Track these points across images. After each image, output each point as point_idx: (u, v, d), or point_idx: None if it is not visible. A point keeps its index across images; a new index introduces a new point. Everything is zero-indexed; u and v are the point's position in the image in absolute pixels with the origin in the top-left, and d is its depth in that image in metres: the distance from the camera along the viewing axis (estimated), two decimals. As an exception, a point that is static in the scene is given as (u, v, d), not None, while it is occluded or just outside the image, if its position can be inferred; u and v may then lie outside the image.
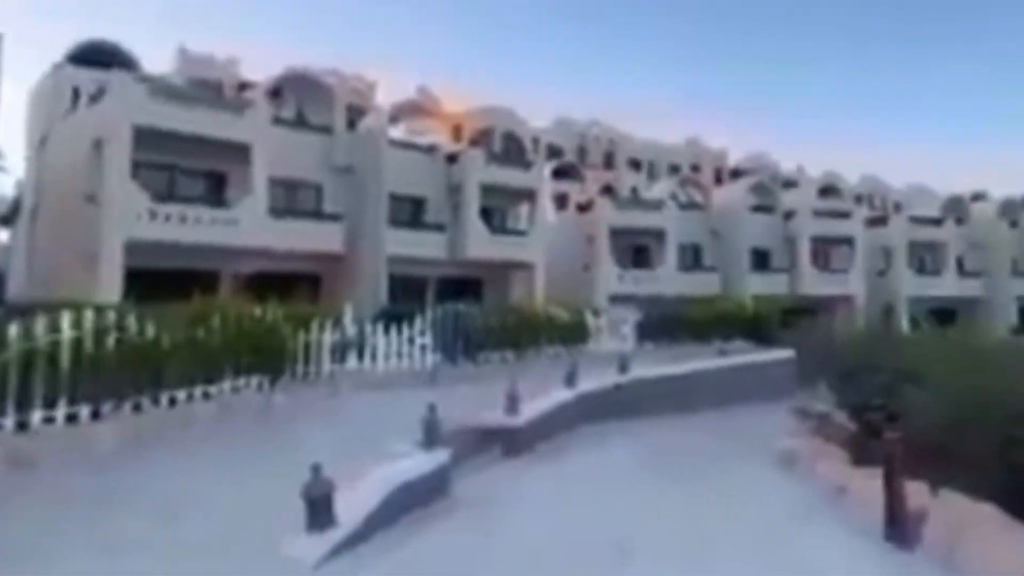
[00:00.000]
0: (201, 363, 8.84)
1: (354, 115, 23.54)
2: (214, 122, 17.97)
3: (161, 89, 17.87)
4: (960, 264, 36.97)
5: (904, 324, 30.74)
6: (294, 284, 16.95)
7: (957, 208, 39.32)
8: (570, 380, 11.19)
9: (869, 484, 6.73)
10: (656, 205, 30.23)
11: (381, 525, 5.60)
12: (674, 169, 42.33)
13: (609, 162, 41.65)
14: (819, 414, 10.58)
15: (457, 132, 27.88)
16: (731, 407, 12.88)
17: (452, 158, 24.13)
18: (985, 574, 5.15)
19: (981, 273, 37.05)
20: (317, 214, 21.37)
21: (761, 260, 32.06)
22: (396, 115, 25.87)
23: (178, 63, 26.72)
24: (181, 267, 17.49)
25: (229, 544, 4.98)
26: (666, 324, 17.55)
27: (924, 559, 5.73)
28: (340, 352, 11.71)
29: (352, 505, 5.52)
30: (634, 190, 35.47)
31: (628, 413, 11.37)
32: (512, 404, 9.15)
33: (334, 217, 21.34)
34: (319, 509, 5.22)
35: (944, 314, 33.53)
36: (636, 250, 30.09)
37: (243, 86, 24.32)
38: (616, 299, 23.60)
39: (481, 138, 26.74)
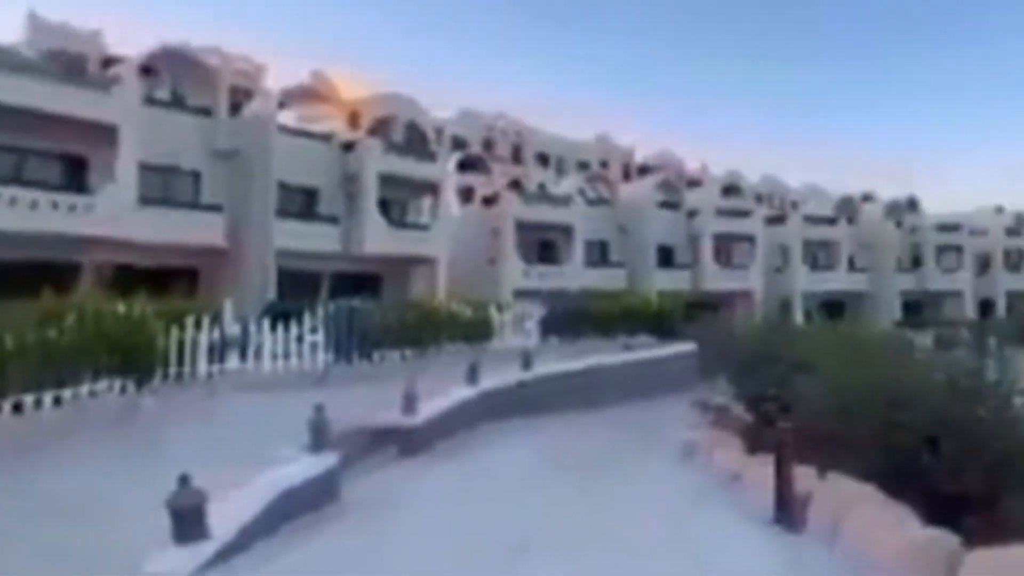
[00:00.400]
0: (52, 365, 8.16)
1: (240, 98, 22.45)
2: (72, 99, 16.59)
3: (3, 59, 16.28)
4: (850, 261, 40.33)
5: (799, 317, 33.18)
6: (168, 279, 15.87)
7: (848, 208, 42.91)
8: (472, 377, 11.22)
9: (762, 471, 7.18)
10: (564, 200, 30.91)
11: (261, 534, 5.40)
12: (583, 165, 43.42)
13: (517, 156, 42.13)
14: (718, 406, 11.22)
15: (354, 120, 27.23)
16: (635, 401, 13.37)
17: (348, 147, 23.55)
18: (863, 549, 5.64)
19: (868, 269, 40.58)
20: (194, 204, 20.21)
21: (666, 256, 33.57)
22: (287, 100, 24.92)
23: (29, 33, 24.37)
24: (35, 258, 16.08)
25: (87, 562, 4.62)
26: (572, 319, 17.98)
27: (810, 539, 6.18)
28: (219, 351, 11.14)
29: (228, 515, 5.28)
30: (542, 185, 36.06)
31: (532, 410, 11.54)
32: (409, 403, 9.05)
33: (214, 207, 20.26)
34: (188, 521, 4.95)
35: (835, 307, 36.67)
36: (543, 245, 30.64)
37: (109, 61, 22.52)
38: (522, 294, 23.89)
39: (381, 127, 26.25)
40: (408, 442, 8.64)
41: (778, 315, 32.58)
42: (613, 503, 7.16)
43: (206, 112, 21.29)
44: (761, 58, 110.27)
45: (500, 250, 28.09)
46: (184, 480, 4.97)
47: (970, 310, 41.67)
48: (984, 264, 44.45)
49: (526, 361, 12.75)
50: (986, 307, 42.73)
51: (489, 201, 30.28)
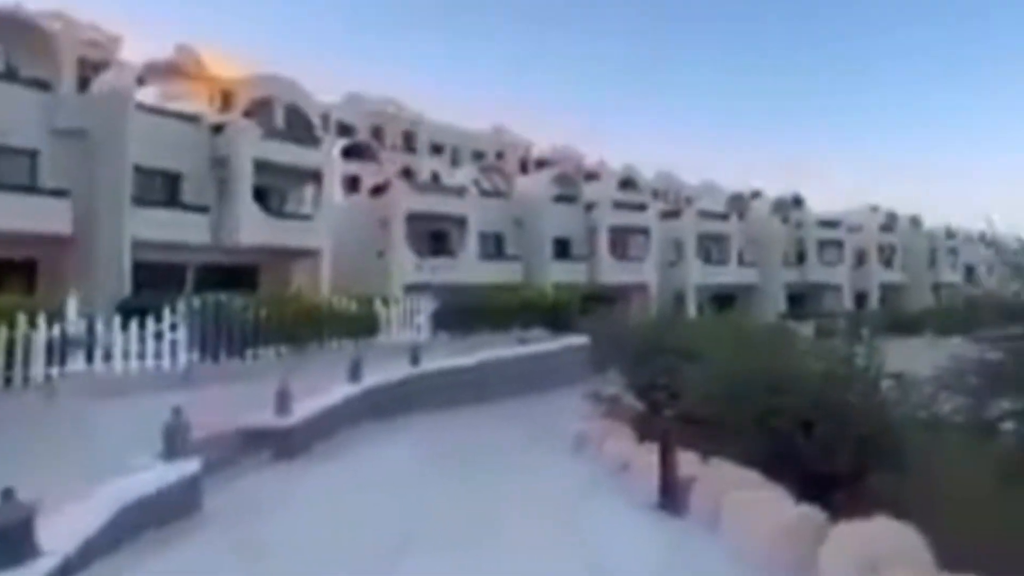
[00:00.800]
0: None
1: (89, 71, 20.72)
2: None
3: None
4: (740, 255, 42.96)
5: (692, 310, 34.99)
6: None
7: (739, 204, 45.68)
8: (355, 374, 10.98)
9: (649, 459, 7.50)
10: (458, 191, 30.88)
11: (105, 550, 5.03)
12: (478, 156, 43.54)
13: (408, 145, 41.57)
14: (611, 397, 11.63)
15: (227, 101, 25.85)
16: (529, 395, 13.60)
17: (218, 129, 22.30)
18: (741, 529, 6.01)
19: (757, 263, 43.41)
20: (31, 187, 18.43)
21: (563, 249, 34.31)
22: (148, 76, 23.27)
23: None
24: None
25: None
26: (465, 313, 18.00)
27: (692, 522, 6.53)
28: (60, 351, 10.24)
29: (64, 531, 4.89)
30: (435, 175, 35.83)
31: (421, 406, 11.48)
32: (283, 403, 8.72)
33: (59, 192, 18.58)
34: (12, 539, 4.53)
35: (726, 300, 39.11)
36: (436, 237, 30.47)
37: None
38: (413, 288, 23.61)
39: (258, 109, 25.05)
40: (282, 444, 8.32)
41: (672, 307, 34.32)
42: (501, 497, 7.23)
43: (45, 85, 19.48)
44: (660, 59, 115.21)
45: (389, 242, 27.66)
46: (7, 493, 4.55)
47: (848, 301, 45.45)
48: (860, 259, 48.64)
49: (415, 357, 12.63)
50: (861, 299, 46.86)
51: (378, 191, 29.69)
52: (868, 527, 5.21)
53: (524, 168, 44.65)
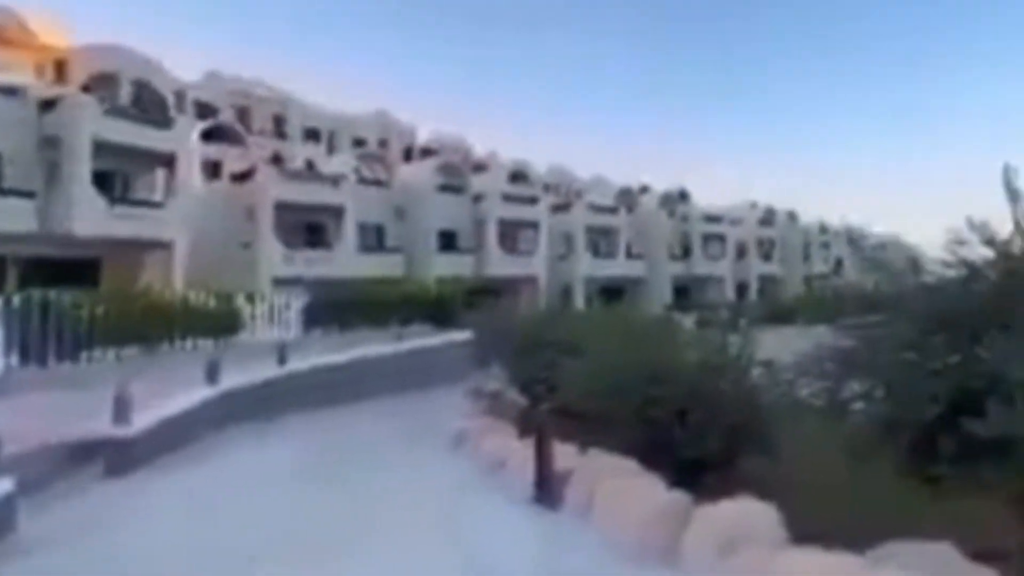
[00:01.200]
0: None
1: None
2: None
3: None
4: (629, 249, 44.61)
5: (581, 302, 35.95)
6: None
7: (628, 198, 47.52)
8: (212, 376, 10.40)
9: (527, 454, 7.58)
10: (334, 180, 29.97)
11: None
12: (359, 143, 42.44)
13: (279, 129, 39.84)
14: (493, 392, 11.71)
15: (61, 73, 23.78)
16: (408, 393, 13.44)
17: (49, 104, 20.40)
18: (613, 518, 6.18)
19: (644, 256, 45.25)
20: None
21: (448, 241, 34.16)
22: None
23: None
24: None
25: None
26: (341, 309, 17.51)
27: (566, 515, 6.67)
28: None
29: None
30: (310, 162, 34.57)
31: (291, 407, 11.08)
32: (121, 410, 8.08)
33: None
34: None
35: (614, 293, 40.51)
36: (310, 228, 29.43)
37: None
38: (284, 282, 22.65)
39: (99, 84, 23.16)
40: (118, 457, 7.70)
41: (560, 300, 35.16)
42: (373, 499, 7.12)
43: None
44: (553, 55, 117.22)
45: (256, 233, 26.46)
46: None
47: (730, 293, 48.39)
48: (741, 252, 51.94)
49: (282, 355, 12.15)
50: (742, 290, 50.06)
51: (242, 177, 28.31)
52: (728, 508, 5.54)
53: (408, 157, 44.10)
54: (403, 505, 6.95)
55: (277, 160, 32.29)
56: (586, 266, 40.29)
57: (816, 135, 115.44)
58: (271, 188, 27.21)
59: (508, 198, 36.85)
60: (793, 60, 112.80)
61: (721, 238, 50.29)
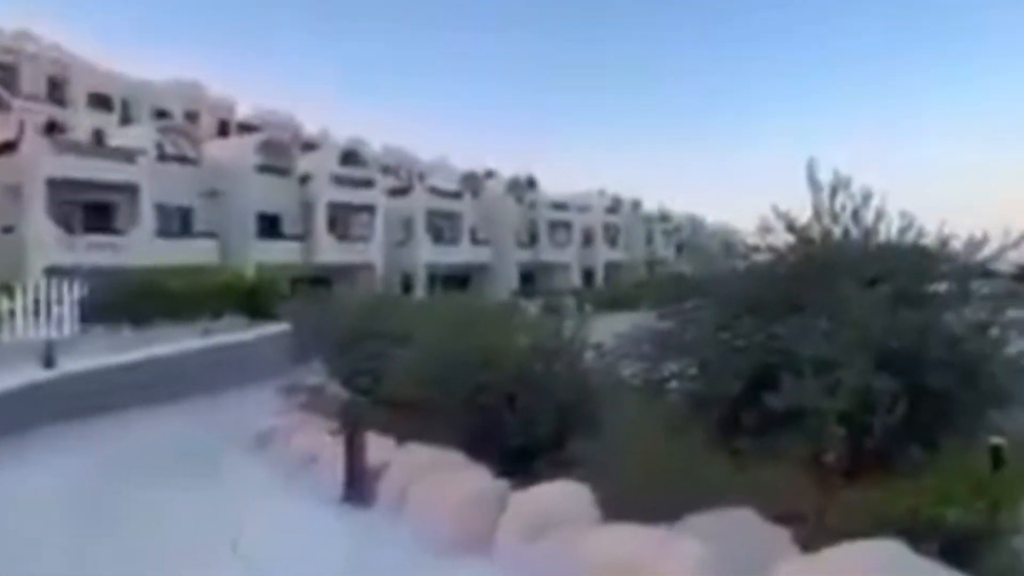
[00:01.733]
0: None
1: None
2: None
3: None
4: (473, 234, 45.12)
5: (422, 291, 35.85)
6: None
7: (473, 183, 48.02)
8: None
9: (340, 450, 7.36)
10: (127, 155, 27.46)
11: None
12: (162, 114, 39.38)
13: (57, 93, 35.89)
14: (313, 387, 11.34)
15: None
16: (216, 393, 12.69)
17: None
18: (427, 512, 6.12)
19: (491, 243, 46.01)
20: None
21: (271, 226, 32.76)
22: None
23: None
24: None
25: None
26: (135, 302, 16.06)
27: (378, 512, 6.57)
28: None
29: None
30: (98, 133, 31.54)
31: (60, 417, 10.02)
32: None
33: None
34: None
35: (459, 280, 40.73)
36: (96, 209, 26.77)
37: None
38: (62, 272, 20.52)
39: None
40: None
41: (400, 289, 34.89)
42: (159, 512, 6.66)
43: None
44: (400, 37, 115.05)
45: (23, 214, 23.84)
46: None
47: (576, 279, 50.39)
48: (588, 238, 54.34)
49: (48, 357, 10.99)
50: (589, 276, 52.44)
51: (6, 149, 25.40)
52: (542, 491, 5.72)
53: (225, 131, 41.76)
54: (190, 522, 6.48)
55: (53, 129, 29.23)
56: (427, 253, 40.29)
57: (662, 125, 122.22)
58: (42, 162, 24.56)
59: (340, 180, 35.89)
60: (643, 49, 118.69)
61: (568, 225, 52.22)
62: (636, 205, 60.24)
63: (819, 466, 5.49)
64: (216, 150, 33.13)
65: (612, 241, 56.54)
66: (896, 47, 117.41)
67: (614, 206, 57.98)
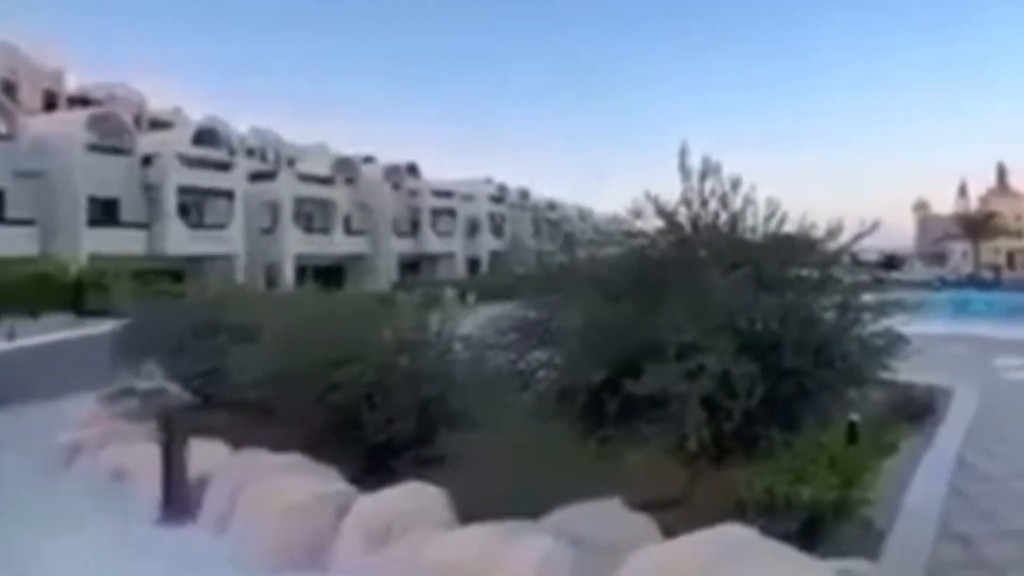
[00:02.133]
0: None
1: None
2: None
3: None
4: (348, 223, 44.14)
5: (290, 282, 34.75)
6: None
7: (347, 169, 46.84)
8: None
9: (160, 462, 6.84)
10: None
11: None
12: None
13: None
14: (146, 391, 10.63)
15: None
16: (16, 404, 11.62)
17: None
18: (256, 524, 5.73)
19: (368, 232, 45.21)
20: None
21: (107, 212, 30.87)
22: None
23: None
24: None
25: None
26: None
27: (200, 529, 6.16)
28: None
29: None
30: None
31: None
32: None
33: None
34: None
35: (333, 272, 39.65)
36: None
37: None
38: None
39: None
40: None
41: (265, 282, 33.73)
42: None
43: None
44: (280, 19, 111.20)
45: None
46: None
47: (461, 269, 50.50)
48: (473, 228, 54.43)
49: None
50: (474, 266, 52.57)
51: None
52: (390, 495, 5.56)
53: (53, 104, 38.92)
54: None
55: None
56: (297, 243, 39.11)
57: (547, 113, 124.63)
58: None
59: (192, 161, 34.09)
60: (524, 35, 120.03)
61: (452, 213, 52.09)
62: (524, 195, 60.93)
63: (686, 451, 5.55)
64: (40, 125, 30.67)
65: (498, 231, 56.82)
66: (772, 42, 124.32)
67: (500, 195, 58.40)
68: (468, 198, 54.15)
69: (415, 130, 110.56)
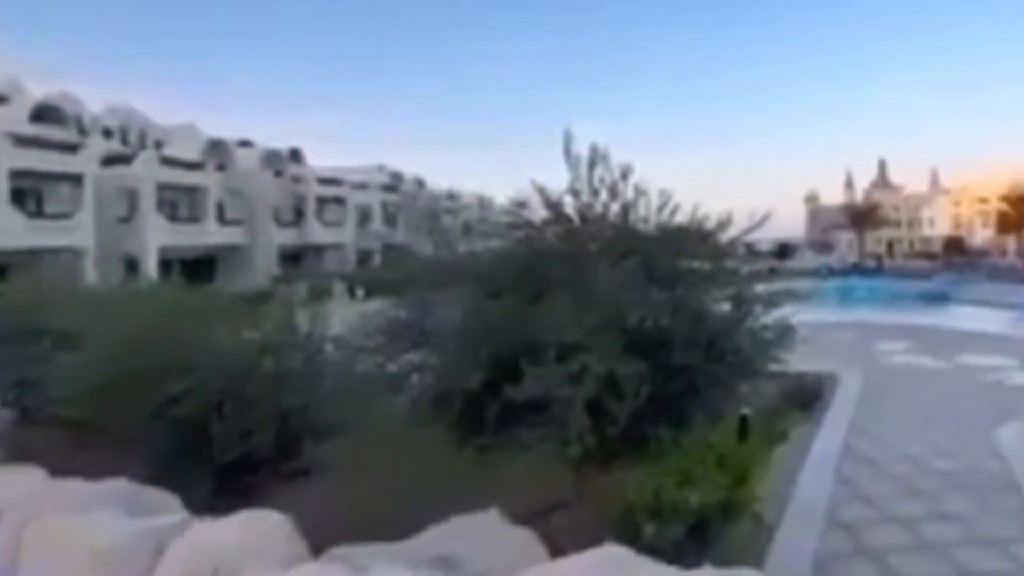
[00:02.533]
0: None
1: None
2: None
3: None
4: (221, 212, 42.77)
5: (154, 276, 33.31)
6: None
7: (220, 153, 45.18)
8: None
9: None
10: None
11: None
12: None
13: None
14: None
15: None
16: None
17: None
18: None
19: (244, 221, 43.89)
20: None
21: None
22: None
23: None
24: None
25: None
26: None
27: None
28: None
29: None
30: None
31: None
32: None
33: None
34: None
35: (203, 264, 38.47)
36: None
37: None
38: None
39: None
40: None
41: (124, 275, 32.15)
42: None
43: None
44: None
45: None
46: None
47: (352, 261, 49.69)
48: (364, 217, 53.64)
49: None
50: (365, 258, 51.68)
51: None
52: (223, 526, 4.98)
53: None
54: None
55: None
56: (160, 233, 37.54)
57: (453, 103, 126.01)
58: None
59: (26, 141, 32.29)
60: (444, 25, 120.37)
61: (340, 202, 51.37)
62: (420, 183, 60.66)
63: (570, 457, 5.45)
64: None
65: (391, 221, 56.21)
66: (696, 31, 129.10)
67: (394, 183, 58.08)
68: (359, 186, 53.57)
69: (306, 118, 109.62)
